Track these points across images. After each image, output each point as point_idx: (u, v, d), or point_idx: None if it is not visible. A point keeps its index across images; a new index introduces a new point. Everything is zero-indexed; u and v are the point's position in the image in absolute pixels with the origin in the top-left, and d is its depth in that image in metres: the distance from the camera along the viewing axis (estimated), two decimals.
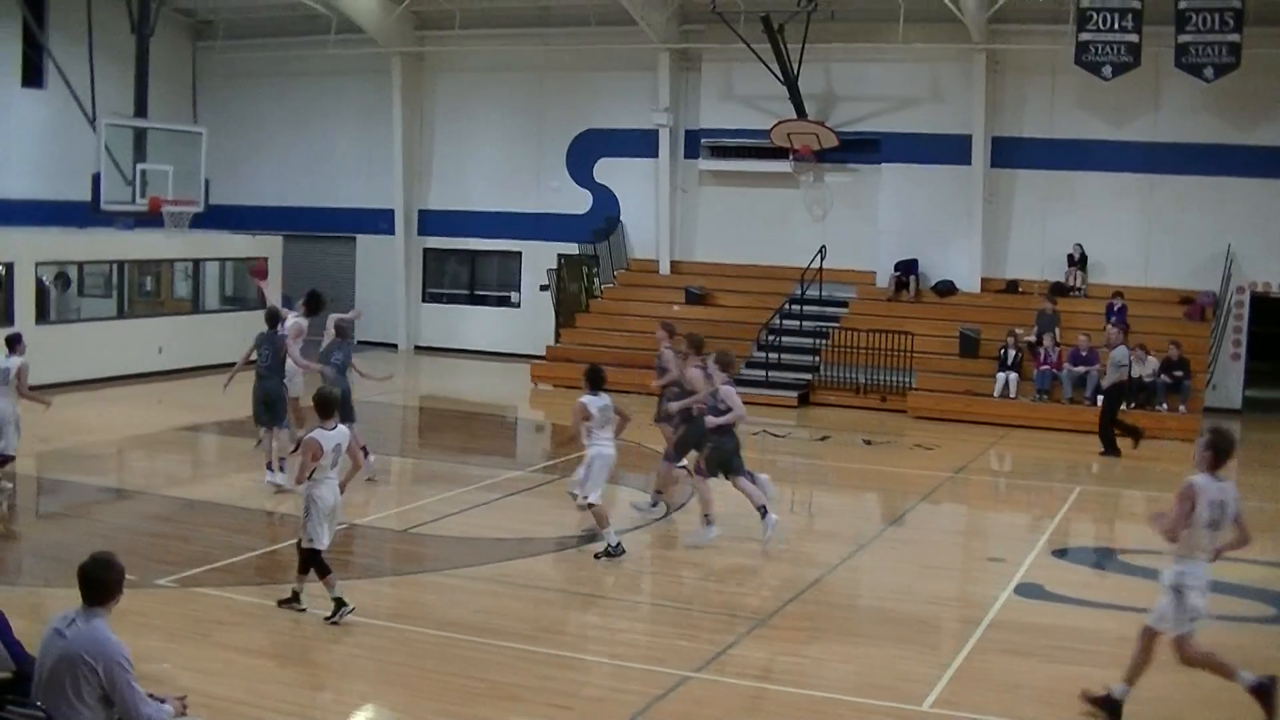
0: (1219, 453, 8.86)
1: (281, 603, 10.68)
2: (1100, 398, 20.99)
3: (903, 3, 25.14)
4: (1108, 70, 23.89)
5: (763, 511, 13.39)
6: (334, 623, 10.31)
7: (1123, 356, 20.52)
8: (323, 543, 10.47)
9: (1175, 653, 8.87)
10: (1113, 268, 25.60)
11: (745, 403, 24.01)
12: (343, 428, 10.80)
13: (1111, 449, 20.26)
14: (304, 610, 10.58)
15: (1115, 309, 23.95)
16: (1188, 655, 8.86)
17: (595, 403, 12.78)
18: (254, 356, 15.65)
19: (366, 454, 14.58)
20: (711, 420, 13.55)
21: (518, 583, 12.03)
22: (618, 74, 29.21)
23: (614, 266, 29.15)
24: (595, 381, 12.87)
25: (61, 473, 15.83)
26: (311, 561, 10.52)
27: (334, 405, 10.77)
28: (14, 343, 14.72)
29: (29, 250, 23.17)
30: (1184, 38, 23.14)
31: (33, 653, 6.80)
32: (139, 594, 10.63)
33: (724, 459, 13.58)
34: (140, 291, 26.56)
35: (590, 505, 12.88)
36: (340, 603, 10.41)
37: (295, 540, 10.85)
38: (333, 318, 16.27)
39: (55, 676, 6.24)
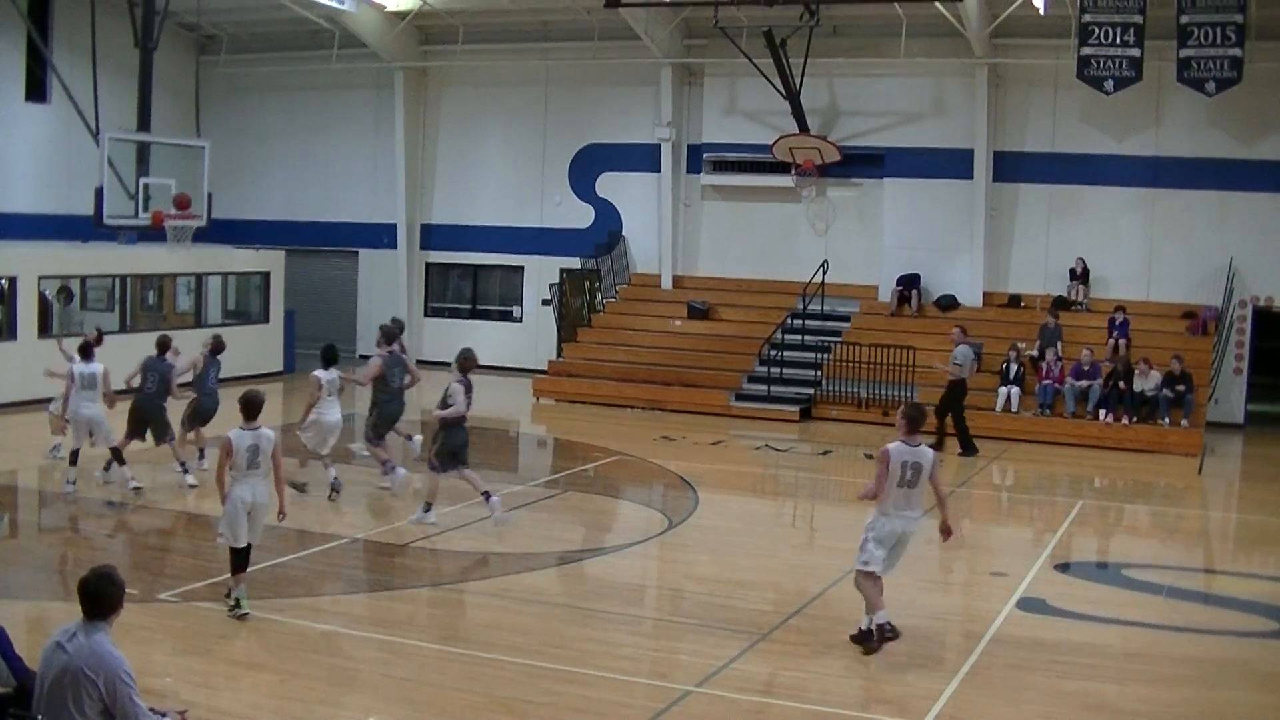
0: (912, 421, 10.50)
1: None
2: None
3: (905, 17, 25.21)
4: (1110, 85, 23.91)
5: (486, 496, 14.57)
6: (232, 615, 10.73)
7: (962, 356, 21.01)
8: (237, 541, 10.79)
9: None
10: (1115, 282, 25.61)
11: (748, 417, 24.15)
12: (265, 430, 10.95)
13: (969, 447, 20.99)
14: (245, 614, 10.72)
15: (1118, 323, 23.96)
16: (860, 584, 10.56)
17: (325, 376, 15.34)
18: (136, 382, 16.07)
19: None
20: (437, 413, 14.46)
21: (521, 597, 12.02)
22: (620, 89, 29.28)
23: (616, 281, 29.17)
24: (329, 358, 15.55)
25: (64, 486, 15.77)
26: (232, 557, 10.89)
27: (256, 406, 11.03)
28: (89, 349, 15.47)
29: (32, 264, 23.20)
30: (1186, 52, 23.17)
31: (33, 667, 6.78)
32: (141, 608, 10.64)
33: (454, 451, 14.51)
34: (143, 305, 26.59)
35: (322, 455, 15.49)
36: (238, 602, 10.77)
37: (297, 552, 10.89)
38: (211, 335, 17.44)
39: (57, 690, 6.23)
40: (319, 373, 15.37)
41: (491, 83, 30.40)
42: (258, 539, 11.06)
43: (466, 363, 14.74)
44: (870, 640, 10.39)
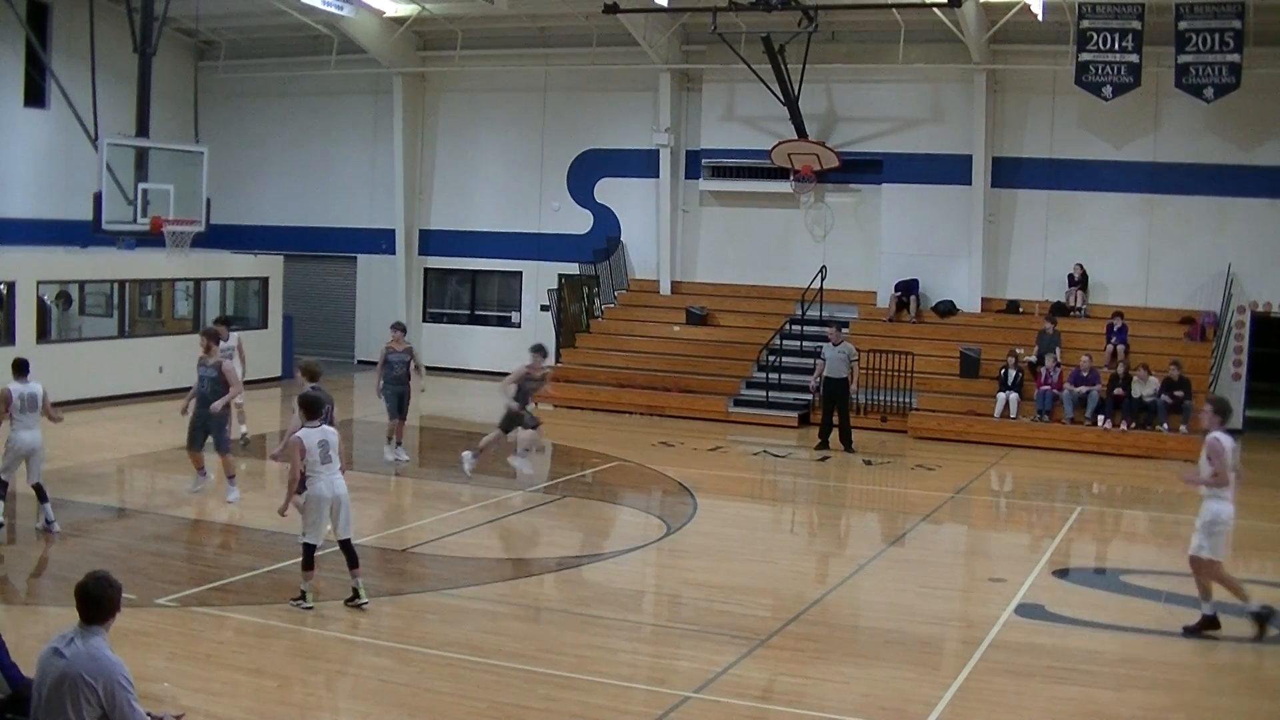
0: (1225, 413, 11.86)
1: (346, 602, 11.26)
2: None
3: (903, 23, 25.24)
4: (1108, 90, 23.96)
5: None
6: (294, 604, 11.15)
7: (828, 356, 21.72)
8: (316, 539, 11.17)
9: (1207, 573, 11.45)
10: (1113, 288, 25.63)
11: (746, 423, 24.26)
12: (328, 426, 11.47)
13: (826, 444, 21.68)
14: (364, 604, 11.22)
15: (1116, 329, 23.97)
16: (1220, 575, 11.50)
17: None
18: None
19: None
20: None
21: (519, 603, 12.01)
22: (619, 94, 29.31)
23: (615, 287, 29.18)
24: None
25: (62, 492, 15.76)
26: (303, 552, 11.22)
27: (318, 406, 11.50)
28: (25, 368, 13.87)
29: (30, 269, 23.20)
30: (1184, 58, 23.22)
31: (28, 673, 6.77)
32: (139, 613, 10.63)
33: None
34: (141, 311, 26.58)
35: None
36: (304, 594, 11.17)
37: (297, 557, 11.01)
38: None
39: (55, 696, 6.21)
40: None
41: (490, 88, 30.42)
42: (351, 531, 11.46)
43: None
44: (1217, 624, 11.49)
